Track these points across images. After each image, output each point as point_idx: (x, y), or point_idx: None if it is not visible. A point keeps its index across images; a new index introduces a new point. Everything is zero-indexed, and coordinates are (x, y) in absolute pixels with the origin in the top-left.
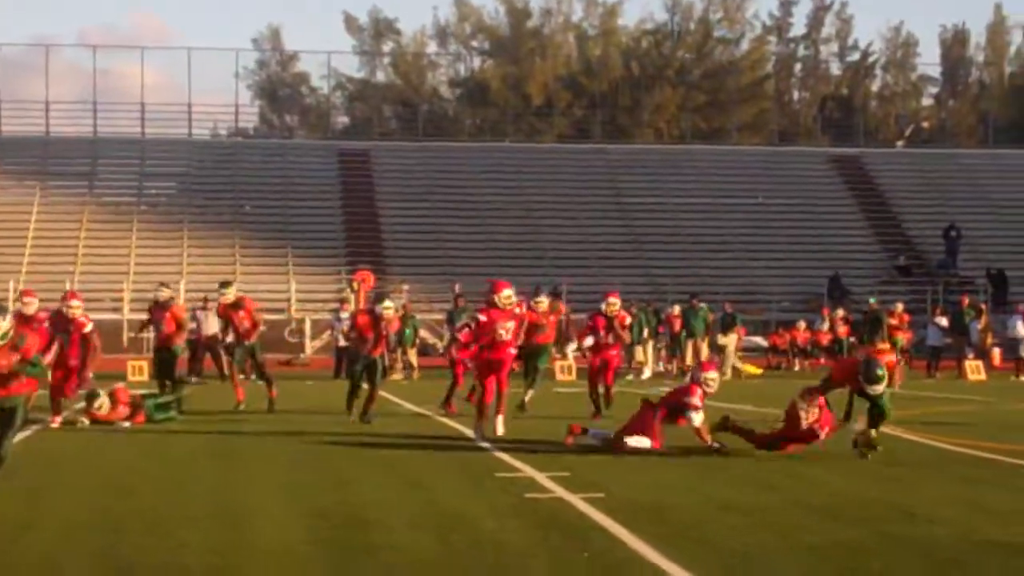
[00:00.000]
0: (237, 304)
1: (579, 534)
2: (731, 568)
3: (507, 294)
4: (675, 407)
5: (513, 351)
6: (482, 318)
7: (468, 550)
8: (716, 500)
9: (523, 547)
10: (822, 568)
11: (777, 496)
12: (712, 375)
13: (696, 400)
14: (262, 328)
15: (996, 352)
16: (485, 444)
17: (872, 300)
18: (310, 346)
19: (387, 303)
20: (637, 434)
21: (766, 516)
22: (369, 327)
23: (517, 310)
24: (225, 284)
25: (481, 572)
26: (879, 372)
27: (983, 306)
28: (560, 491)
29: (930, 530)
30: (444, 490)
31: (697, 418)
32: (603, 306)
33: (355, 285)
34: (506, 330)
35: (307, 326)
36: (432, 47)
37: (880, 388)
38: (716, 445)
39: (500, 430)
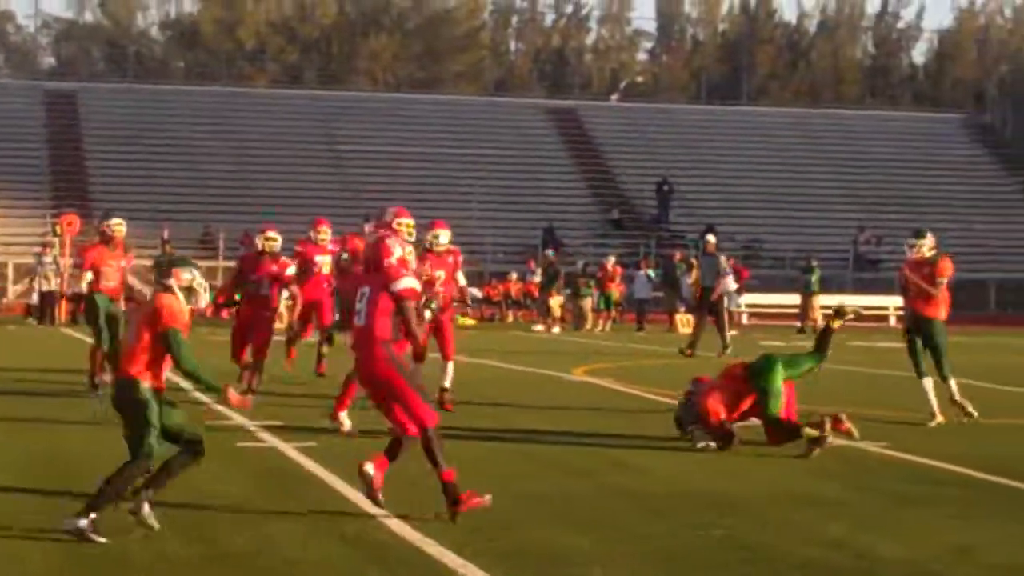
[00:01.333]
0: None
1: (296, 483)
2: (445, 515)
3: (324, 230)
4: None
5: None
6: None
7: (181, 498)
8: None
9: (239, 497)
10: (537, 513)
11: (495, 446)
12: (406, 220)
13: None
14: None
15: None
16: (202, 397)
17: (551, 253)
18: (12, 290)
19: (116, 220)
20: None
21: (483, 465)
22: (105, 259)
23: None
24: None
25: (194, 519)
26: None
27: (694, 260)
28: (273, 440)
29: (639, 480)
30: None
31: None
32: None
33: (59, 229)
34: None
35: (9, 270)
36: None
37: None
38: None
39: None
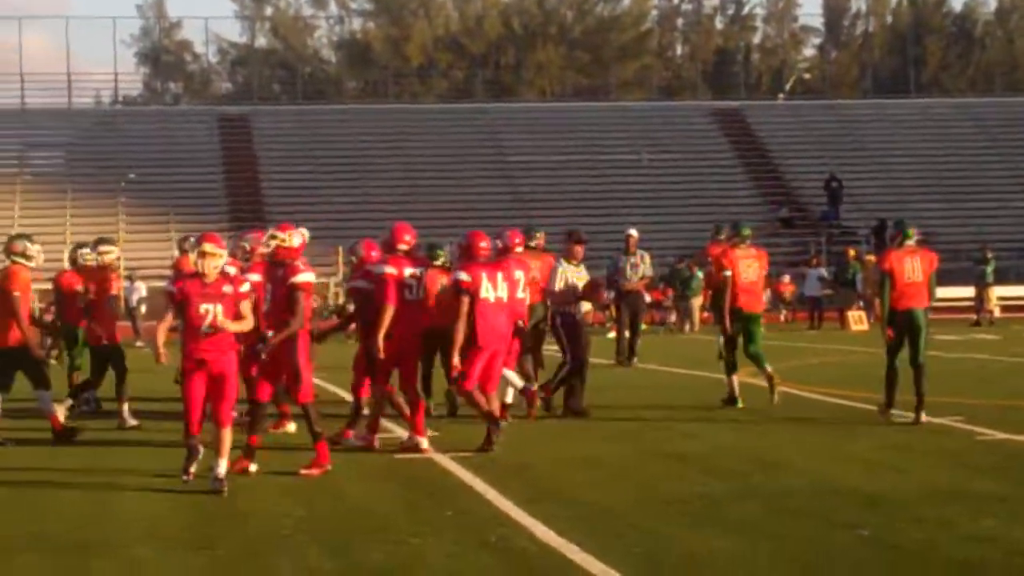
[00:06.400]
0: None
1: (445, 493)
2: (589, 521)
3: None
4: None
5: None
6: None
7: (332, 513)
8: (578, 457)
9: (388, 509)
10: (677, 519)
11: (637, 449)
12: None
13: None
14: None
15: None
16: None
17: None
18: None
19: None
20: None
21: (626, 470)
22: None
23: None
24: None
25: (344, 535)
26: None
27: (868, 257)
28: (429, 451)
29: (787, 480)
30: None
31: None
32: None
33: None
34: None
35: None
36: (310, 10)
37: None
38: None
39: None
